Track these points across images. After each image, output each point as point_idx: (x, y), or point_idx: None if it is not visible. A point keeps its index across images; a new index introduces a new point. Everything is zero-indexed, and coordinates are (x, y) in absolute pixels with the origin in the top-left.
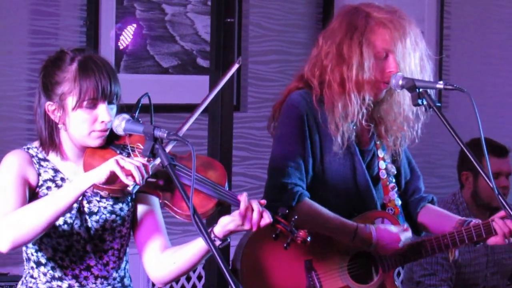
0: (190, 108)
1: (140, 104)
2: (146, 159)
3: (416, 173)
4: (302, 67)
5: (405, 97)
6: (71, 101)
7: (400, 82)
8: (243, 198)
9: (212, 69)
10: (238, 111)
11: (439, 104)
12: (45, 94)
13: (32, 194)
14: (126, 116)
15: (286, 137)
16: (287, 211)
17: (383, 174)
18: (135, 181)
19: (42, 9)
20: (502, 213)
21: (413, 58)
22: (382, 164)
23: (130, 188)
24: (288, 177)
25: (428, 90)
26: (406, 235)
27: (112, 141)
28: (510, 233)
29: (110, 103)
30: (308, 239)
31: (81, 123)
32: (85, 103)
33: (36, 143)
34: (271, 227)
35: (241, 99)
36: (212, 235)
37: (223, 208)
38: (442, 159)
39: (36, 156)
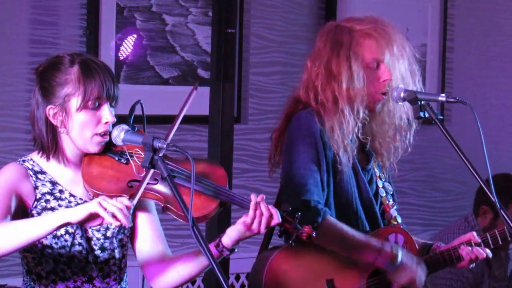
0: (190, 119)
1: (134, 112)
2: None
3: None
4: (296, 91)
5: (397, 106)
6: (75, 102)
7: (402, 95)
8: (253, 200)
9: (212, 80)
10: (238, 123)
11: (441, 117)
12: (45, 98)
13: (24, 209)
14: (125, 126)
15: (301, 155)
16: (289, 208)
17: (381, 192)
18: (120, 222)
19: (42, 19)
20: (467, 236)
21: (402, 64)
22: (379, 183)
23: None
24: (310, 194)
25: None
26: (423, 267)
27: (109, 148)
28: (477, 258)
29: (110, 105)
30: (313, 234)
31: (84, 126)
32: (90, 103)
33: (32, 155)
34: (278, 227)
35: (241, 111)
36: (220, 246)
37: (223, 210)
38: (443, 173)
39: (32, 169)
